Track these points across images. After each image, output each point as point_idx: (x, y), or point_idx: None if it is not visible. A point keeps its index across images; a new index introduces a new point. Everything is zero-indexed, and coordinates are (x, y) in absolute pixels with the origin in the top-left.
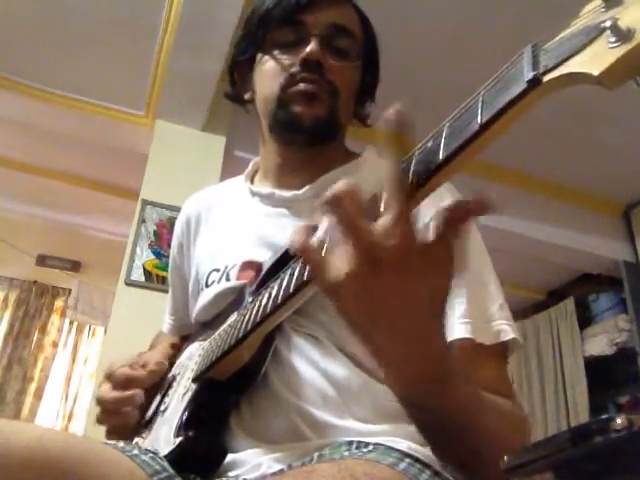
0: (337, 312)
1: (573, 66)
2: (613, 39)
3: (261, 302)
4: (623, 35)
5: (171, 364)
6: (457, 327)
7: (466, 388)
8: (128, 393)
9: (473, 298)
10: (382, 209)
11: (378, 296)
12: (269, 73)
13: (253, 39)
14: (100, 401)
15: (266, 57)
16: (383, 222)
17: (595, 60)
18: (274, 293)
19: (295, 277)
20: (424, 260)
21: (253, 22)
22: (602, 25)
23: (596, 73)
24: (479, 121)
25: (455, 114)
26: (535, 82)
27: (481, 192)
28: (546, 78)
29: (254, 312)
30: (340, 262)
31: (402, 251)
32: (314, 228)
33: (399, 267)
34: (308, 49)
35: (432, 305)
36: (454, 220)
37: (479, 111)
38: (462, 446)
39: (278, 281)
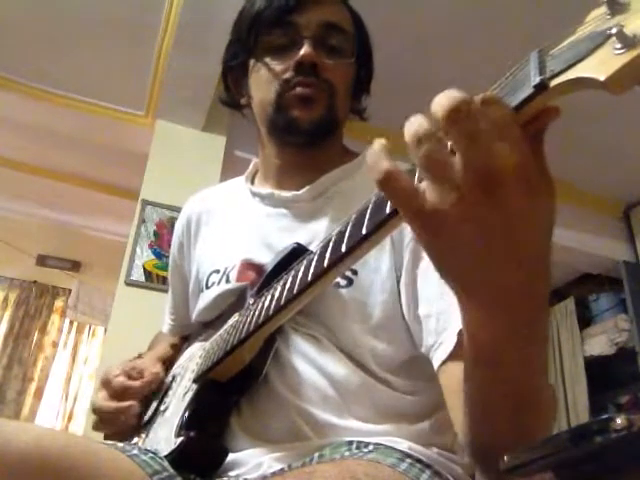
0: (432, 250)
1: (580, 71)
2: (619, 45)
3: (263, 304)
4: (629, 41)
5: (170, 365)
6: None
7: (541, 348)
8: (124, 404)
9: None
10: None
11: (493, 220)
12: (263, 79)
13: (244, 44)
14: (97, 410)
15: (259, 64)
16: (499, 137)
17: (601, 66)
18: (277, 295)
19: (299, 278)
20: (540, 181)
21: (242, 26)
22: (608, 32)
23: (602, 78)
24: None
25: None
26: (542, 86)
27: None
28: (553, 83)
29: (256, 314)
30: (441, 191)
31: (524, 168)
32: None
33: (521, 187)
34: (302, 52)
35: (547, 230)
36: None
37: None
38: (517, 421)
39: (281, 283)
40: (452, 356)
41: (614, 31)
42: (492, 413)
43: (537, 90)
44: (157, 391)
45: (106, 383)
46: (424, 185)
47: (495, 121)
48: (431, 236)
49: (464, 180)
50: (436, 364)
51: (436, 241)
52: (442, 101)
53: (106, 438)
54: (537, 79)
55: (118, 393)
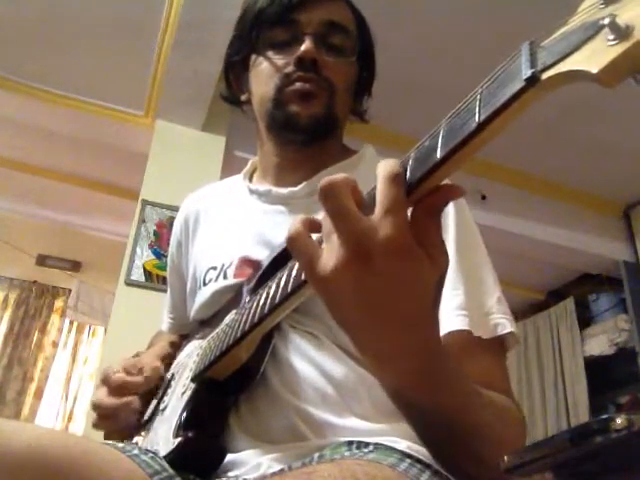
0: (326, 305)
1: (571, 64)
2: (612, 36)
3: (259, 302)
4: (622, 32)
5: (170, 363)
6: (453, 319)
7: (460, 383)
8: (124, 400)
9: (470, 290)
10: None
11: (369, 286)
12: (264, 74)
13: (246, 40)
14: (96, 407)
15: (260, 58)
16: (376, 213)
17: (594, 57)
18: (272, 292)
19: (293, 276)
20: (416, 250)
21: (246, 22)
22: (600, 22)
23: (595, 71)
24: (477, 119)
25: (453, 113)
26: (533, 80)
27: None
28: (544, 76)
29: (252, 312)
30: (329, 254)
31: (394, 242)
32: (313, 222)
33: (390, 257)
34: (303, 48)
35: (425, 296)
36: (433, 204)
37: (477, 109)
38: (457, 445)
39: (276, 280)
40: None
41: (607, 21)
42: (426, 438)
43: (528, 83)
44: (157, 388)
45: (105, 380)
46: (324, 245)
47: (387, 201)
48: (322, 290)
49: (341, 245)
50: None
51: (326, 296)
52: (333, 175)
53: (106, 437)
54: (528, 72)
55: (118, 389)
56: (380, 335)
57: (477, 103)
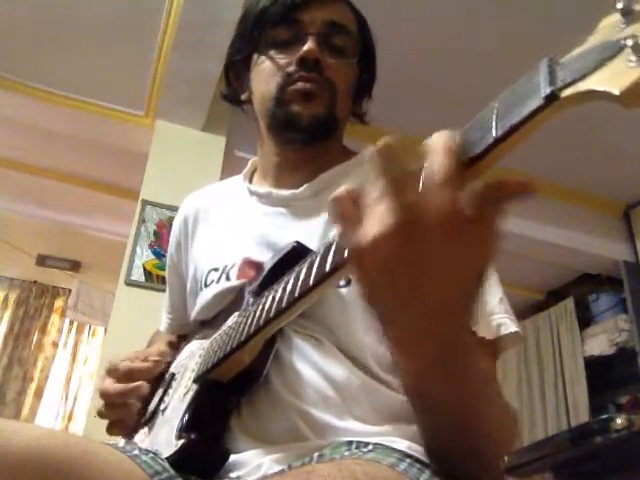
0: (357, 278)
1: (592, 83)
2: (633, 57)
3: (264, 305)
4: None
5: (169, 363)
6: None
7: (480, 376)
8: (133, 385)
9: None
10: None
11: (410, 260)
12: (266, 73)
13: (248, 39)
14: (104, 394)
15: (262, 57)
16: (431, 183)
17: (615, 78)
18: (278, 297)
19: (301, 281)
20: (468, 231)
21: (248, 22)
22: (622, 42)
23: (617, 92)
24: (494, 135)
25: (468, 127)
26: (552, 98)
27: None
28: (564, 94)
29: (257, 315)
30: (373, 221)
31: (446, 215)
32: (356, 192)
33: (439, 232)
34: (305, 47)
35: (466, 281)
36: (497, 199)
37: (493, 125)
38: (463, 443)
39: (282, 284)
40: None
41: (630, 43)
42: (432, 436)
43: (547, 101)
44: (159, 385)
45: (112, 370)
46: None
47: (443, 174)
48: (357, 262)
49: (390, 212)
50: None
51: (360, 269)
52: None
53: (109, 428)
54: (548, 90)
55: (125, 377)
56: (410, 316)
57: (494, 118)
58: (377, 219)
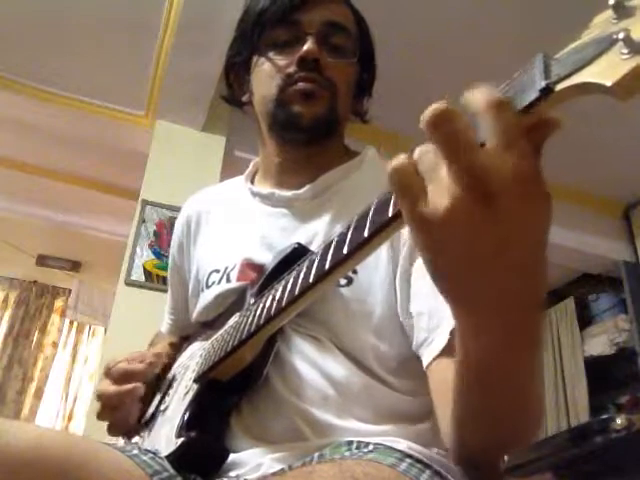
0: (423, 251)
1: (586, 76)
2: (625, 50)
3: (265, 305)
4: (635, 46)
5: (170, 364)
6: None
7: (538, 350)
8: (129, 386)
9: None
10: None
11: (487, 231)
12: (266, 74)
13: (248, 40)
14: (101, 396)
15: (262, 59)
16: (494, 145)
17: (608, 71)
18: (278, 296)
19: (300, 280)
20: (545, 187)
21: (247, 23)
22: (614, 36)
23: (609, 84)
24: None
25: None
26: (547, 91)
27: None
28: (558, 87)
29: (257, 314)
30: (438, 192)
31: (523, 175)
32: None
33: (518, 195)
34: (305, 48)
35: (544, 243)
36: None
37: None
38: (507, 425)
39: (282, 283)
40: (442, 354)
41: (621, 36)
42: (480, 417)
43: (542, 94)
44: (159, 386)
45: (108, 372)
46: (428, 184)
47: (503, 127)
48: (426, 235)
49: (464, 182)
50: (425, 361)
51: (430, 242)
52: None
53: (109, 429)
54: (543, 83)
55: (122, 378)
56: (489, 280)
57: None
58: (443, 190)
